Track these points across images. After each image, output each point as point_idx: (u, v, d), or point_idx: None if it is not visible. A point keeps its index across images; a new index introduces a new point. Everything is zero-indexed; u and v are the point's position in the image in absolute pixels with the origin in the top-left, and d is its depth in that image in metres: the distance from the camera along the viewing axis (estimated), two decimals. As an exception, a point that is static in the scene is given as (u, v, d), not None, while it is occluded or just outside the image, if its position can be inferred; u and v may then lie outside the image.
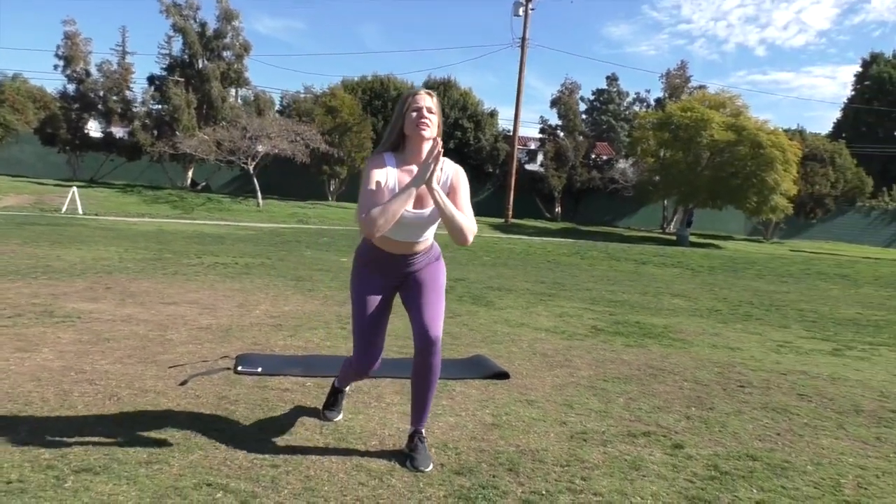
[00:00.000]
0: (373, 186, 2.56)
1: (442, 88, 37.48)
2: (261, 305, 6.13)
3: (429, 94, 2.67)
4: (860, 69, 51.42)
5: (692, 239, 27.41)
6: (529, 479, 2.62)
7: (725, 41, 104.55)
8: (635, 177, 33.72)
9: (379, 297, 2.78)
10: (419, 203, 2.63)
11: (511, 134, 31.82)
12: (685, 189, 27.77)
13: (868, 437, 3.46)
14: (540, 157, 37.44)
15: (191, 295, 6.41)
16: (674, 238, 27.80)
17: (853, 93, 51.35)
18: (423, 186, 2.53)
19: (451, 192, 2.66)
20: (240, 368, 3.85)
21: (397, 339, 5.01)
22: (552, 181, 33.77)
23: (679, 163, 27.85)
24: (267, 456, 2.67)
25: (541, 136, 36.64)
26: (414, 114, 2.62)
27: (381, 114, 36.25)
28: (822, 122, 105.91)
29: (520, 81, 30.18)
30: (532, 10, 30.00)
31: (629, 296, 8.97)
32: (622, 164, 37.25)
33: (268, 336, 4.86)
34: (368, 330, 2.77)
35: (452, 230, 2.59)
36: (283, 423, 3.07)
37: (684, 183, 27.61)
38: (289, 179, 31.57)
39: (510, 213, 29.88)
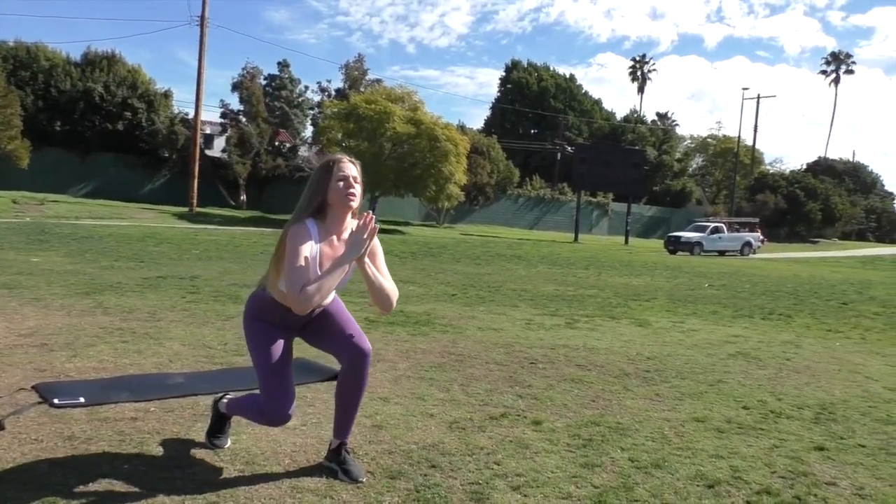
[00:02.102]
0: (302, 263, 2.48)
1: (106, 63, 33.83)
2: (-6, 323, 5.15)
3: (353, 162, 2.64)
4: (504, 73, 58.90)
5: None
6: (455, 470, 2.79)
7: (380, 36, 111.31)
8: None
9: (283, 342, 2.68)
10: None
11: (189, 117, 30.05)
12: (371, 178, 29.12)
13: (650, 394, 4.28)
14: (221, 143, 35.97)
15: None
16: (362, 225, 29.05)
17: (499, 94, 58.64)
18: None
19: (370, 255, 2.64)
20: (57, 401, 3.29)
21: (204, 349, 4.68)
22: (237, 168, 32.79)
23: (364, 153, 29.06)
24: (194, 495, 2.42)
25: (222, 120, 35.21)
26: (340, 183, 2.57)
27: (29, 86, 31.38)
28: (471, 118, 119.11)
29: (200, 61, 28.67)
30: (212, -12, 28.62)
31: (365, 285, 9.33)
32: (304, 151, 37.64)
33: (47, 359, 4.16)
34: (280, 371, 2.63)
35: (380, 298, 2.63)
36: (171, 455, 2.77)
37: (370, 172, 28.90)
38: None
39: (195, 201, 28.30)
